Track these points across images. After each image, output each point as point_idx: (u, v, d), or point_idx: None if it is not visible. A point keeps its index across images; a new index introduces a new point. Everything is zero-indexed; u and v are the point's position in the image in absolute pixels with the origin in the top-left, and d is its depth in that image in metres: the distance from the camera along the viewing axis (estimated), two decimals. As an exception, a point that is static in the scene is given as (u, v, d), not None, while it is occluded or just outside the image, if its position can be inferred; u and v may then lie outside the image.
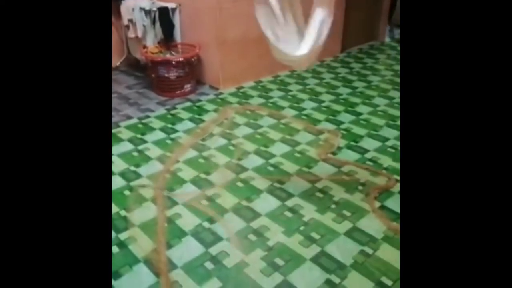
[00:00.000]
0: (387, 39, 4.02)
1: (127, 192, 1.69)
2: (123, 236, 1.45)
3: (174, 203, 1.63)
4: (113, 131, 2.21)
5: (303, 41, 1.36)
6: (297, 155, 1.98)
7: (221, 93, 2.72)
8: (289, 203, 1.63)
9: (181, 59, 2.59)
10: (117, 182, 1.75)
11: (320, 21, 1.31)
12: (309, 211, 1.57)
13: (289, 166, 1.88)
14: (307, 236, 1.45)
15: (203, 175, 1.81)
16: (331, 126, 2.26)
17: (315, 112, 2.45)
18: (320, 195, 1.68)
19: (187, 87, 2.68)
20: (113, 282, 1.26)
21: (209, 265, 1.33)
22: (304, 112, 2.45)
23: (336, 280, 1.26)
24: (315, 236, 1.45)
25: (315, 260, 1.34)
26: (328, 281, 1.26)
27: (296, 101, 2.60)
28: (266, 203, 1.63)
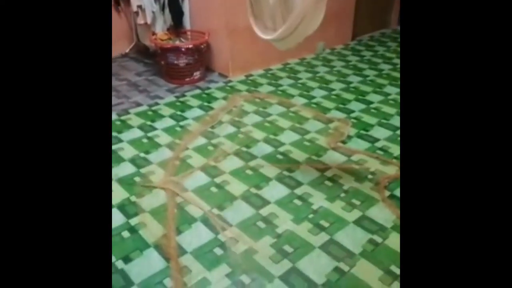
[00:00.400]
0: (398, 27, 3.95)
1: (137, 178, 1.71)
2: (133, 221, 1.46)
3: (184, 189, 1.64)
4: (123, 118, 2.22)
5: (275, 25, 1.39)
6: (307, 143, 1.97)
7: (230, 81, 2.71)
8: (298, 191, 1.63)
9: (190, 46, 2.58)
10: (127, 169, 1.77)
11: (302, 9, 1.27)
12: (318, 199, 1.57)
13: (298, 155, 1.88)
14: (316, 224, 1.45)
15: (212, 162, 1.82)
16: (341, 115, 2.24)
17: (325, 100, 2.42)
18: (329, 183, 1.67)
19: (196, 74, 2.67)
20: (124, 266, 1.28)
21: (218, 251, 1.34)
22: (314, 100, 2.43)
23: (345, 268, 1.27)
24: (324, 224, 1.45)
25: (324, 248, 1.35)
26: (336, 269, 1.26)
27: (306, 89, 2.58)
28: (275, 191, 1.63)
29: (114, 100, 2.44)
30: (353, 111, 2.28)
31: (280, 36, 1.38)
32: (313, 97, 2.47)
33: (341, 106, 2.35)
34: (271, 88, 2.59)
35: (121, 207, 1.53)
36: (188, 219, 1.48)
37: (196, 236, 1.40)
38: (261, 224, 1.45)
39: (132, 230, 1.42)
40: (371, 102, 2.39)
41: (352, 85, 2.64)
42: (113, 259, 1.30)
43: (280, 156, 1.87)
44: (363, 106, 2.35)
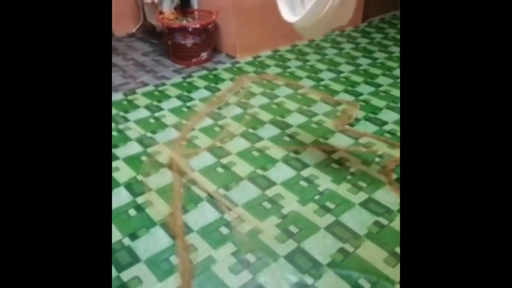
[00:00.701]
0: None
1: (144, 158, 1.71)
2: (140, 200, 1.47)
3: (190, 169, 1.64)
4: (129, 97, 2.22)
5: (297, 8, 1.30)
6: (314, 125, 1.96)
7: (237, 62, 2.68)
8: (305, 173, 1.62)
9: (197, 26, 2.55)
10: (134, 148, 1.77)
11: None
12: (324, 181, 1.57)
13: (305, 137, 1.87)
14: (321, 205, 1.45)
15: (218, 143, 1.81)
16: (349, 97, 2.21)
17: (333, 82, 2.39)
18: (336, 166, 1.66)
19: (203, 55, 2.64)
20: (131, 243, 1.29)
21: (224, 230, 1.35)
22: (322, 82, 2.40)
23: (350, 248, 1.27)
24: (330, 205, 1.45)
25: (329, 229, 1.35)
26: (341, 249, 1.27)
27: (314, 71, 2.54)
28: (281, 172, 1.62)
29: (121, 80, 2.43)
30: (361, 94, 2.25)
31: (307, 18, 1.25)
32: (321, 79, 2.43)
33: (350, 88, 2.32)
34: (279, 70, 2.56)
35: (128, 186, 1.54)
36: (194, 199, 1.48)
37: (202, 216, 1.41)
38: (266, 205, 1.46)
39: (139, 208, 1.44)
40: (380, 85, 2.35)
41: (361, 67, 2.60)
42: (120, 236, 1.32)
43: (287, 138, 1.86)
44: (372, 89, 2.31)
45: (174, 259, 1.24)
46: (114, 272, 1.19)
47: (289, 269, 1.21)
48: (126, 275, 1.18)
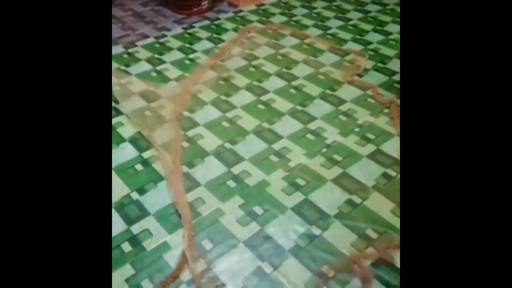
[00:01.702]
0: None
1: (148, 113, 1.68)
2: (146, 154, 1.47)
3: (196, 124, 1.62)
4: (130, 50, 2.15)
5: None
6: (321, 77, 1.90)
7: (240, 11, 2.55)
8: (312, 125, 1.59)
9: (197, -29, 2.40)
10: (138, 103, 1.74)
11: None
12: (331, 134, 1.54)
13: (312, 89, 1.81)
14: (329, 158, 1.44)
15: (223, 97, 1.77)
16: (357, 47, 2.13)
17: (341, 31, 2.29)
18: (343, 118, 1.63)
19: (205, 4, 2.52)
20: (139, 197, 1.30)
21: (231, 183, 1.35)
22: (330, 31, 2.29)
23: (357, 200, 1.27)
24: (337, 158, 1.43)
25: (336, 181, 1.34)
26: (349, 201, 1.27)
27: (321, 19, 2.43)
28: (287, 126, 1.60)
29: (120, 32, 2.34)
30: (370, 43, 2.16)
31: None
32: (329, 28, 2.33)
33: (358, 37, 2.22)
34: (284, 18, 2.45)
35: (133, 141, 1.53)
36: (201, 153, 1.47)
37: (209, 170, 1.40)
38: (273, 158, 1.45)
39: (145, 163, 1.43)
40: (390, 33, 2.25)
41: (370, 14, 2.47)
42: (128, 190, 1.33)
43: (293, 91, 1.81)
44: (381, 37, 2.21)
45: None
46: (124, 226, 1.21)
47: (297, 221, 1.22)
48: (136, 228, 1.20)
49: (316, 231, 1.19)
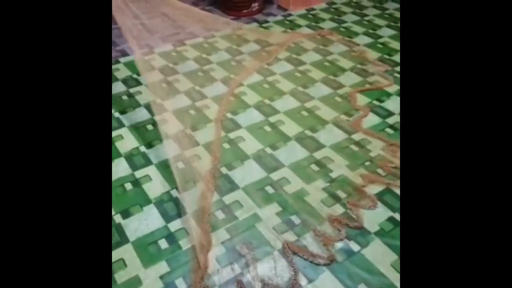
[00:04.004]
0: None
1: (192, 112, 1.71)
2: (188, 153, 1.48)
3: (238, 126, 1.62)
4: (179, 48, 2.19)
5: None
6: (369, 86, 1.84)
7: (289, 15, 2.54)
8: (356, 136, 1.54)
9: (250, -26, 2.41)
10: (183, 101, 1.77)
11: None
12: (376, 147, 1.49)
13: (359, 98, 1.76)
14: (372, 172, 1.38)
15: (267, 101, 1.76)
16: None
17: (392, 40, 2.21)
18: (390, 131, 1.57)
19: (255, 6, 2.53)
20: (178, 195, 1.31)
21: (269, 189, 1.33)
22: (380, 40, 2.22)
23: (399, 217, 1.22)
24: (381, 172, 1.38)
25: (379, 196, 1.29)
26: (391, 219, 1.22)
27: (372, 27, 2.36)
28: (331, 135, 1.56)
29: (170, 30, 2.39)
30: (423, 54, 2.06)
31: None
32: (380, 37, 2.25)
33: (411, 47, 2.13)
34: (334, 24, 2.40)
35: (177, 139, 1.55)
36: (241, 156, 1.47)
37: (248, 173, 1.40)
38: (314, 167, 1.41)
39: (186, 162, 1.45)
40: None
41: (425, 24, 2.37)
42: (168, 187, 1.35)
43: (338, 99, 1.77)
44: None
45: (219, 214, 1.25)
46: (162, 222, 1.23)
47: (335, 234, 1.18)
48: (173, 226, 1.22)
49: (355, 247, 1.15)
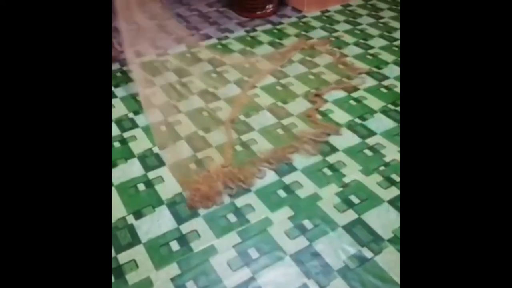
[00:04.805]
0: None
1: (205, 113, 1.71)
2: (200, 155, 1.49)
3: (251, 128, 1.61)
4: (193, 50, 2.20)
5: None
6: (384, 90, 1.81)
7: (304, 16, 2.52)
8: (370, 141, 1.52)
9: (265, -25, 2.40)
10: (195, 102, 1.77)
11: None
12: (391, 152, 1.47)
13: (374, 102, 1.74)
14: (386, 177, 1.36)
15: (280, 103, 1.75)
16: (426, 61, 2.01)
17: (408, 43, 2.17)
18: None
19: (269, 7, 2.52)
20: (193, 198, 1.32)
21: (282, 193, 1.32)
22: (395, 43, 2.19)
23: (415, 226, 1.19)
24: (396, 178, 1.36)
25: (393, 203, 1.27)
26: (405, 226, 1.20)
27: (388, 30, 2.33)
28: (344, 139, 1.54)
29: (185, 32, 2.40)
30: (440, 58, 2.03)
31: None
32: (395, 39, 2.22)
33: (427, 51, 2.10)
34: (349, 27, 2.38)
35: (189, 140, 1.55)
36: (253, 159, 1.46)
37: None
38: (327, 171, 1.40)
39: (199, 163, 1.45)
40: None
41: (442, 27, 2.33)
42: (181, 189, 1.35)
43: (353, 102, 1.75)
44: (453, 52, 2.07)
45: (231, 217, 1.25)
46: (174, 223, 1.23)
47: (348, 240, 1.17)
48: (185, 228, 1.22)
49: (368, 253, 1.13)
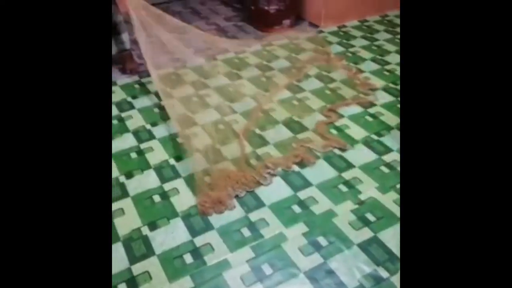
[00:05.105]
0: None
1: (221, 126, 1.72)
2: (217, 166, 1.49)
3: (266, 142, 1.62)
4: (210, 64, 2.23)
5: None
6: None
7: (321, 31, 2.54)
8: (387, 157, 1.51)
9: (283, -9, 2.44)
10: (212, 115, 1.79)
11: None
12: (408, 169, 1.45)
13: (391, 118, 1.73)
14: (403, 195, 1.34)
15: (296, 118, 1.75)
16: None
17: (426, 60, 2.16)
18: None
19: (286, 22, 2.54)
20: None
21: (296, 208, 1.32)
22: (413, 59, 2.18)
23: (433, 247, 1.17)
24: (413, 197, 1.33)
25: (410, 222, 1.25)
26: (423, 247, 1.17)
27: (405, 46, 2.32)
28: (361, 155, 1.53)
29: (202, 45, 2.44)
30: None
31: None
32: (413, 55, 2.21)
33: (445, 67, 2.08)
34: (366, 42, 2.38)
35: (205, 154, 1.56)
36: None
37: (275, 191, 1.38)
38: (343, 188, 1.39)
39: (214, 176, 1.45)
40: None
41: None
42: (194, 202, 1.35)
43: (369, 118, 1.74)
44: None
45: (245, 231, 1.24)
46: (188, 236, 1.23)
47: (363, 259, 1.15)
48: (199, 241, 1.22)
49: (383, 273, 1.11)
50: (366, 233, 1.22)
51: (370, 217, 1.27)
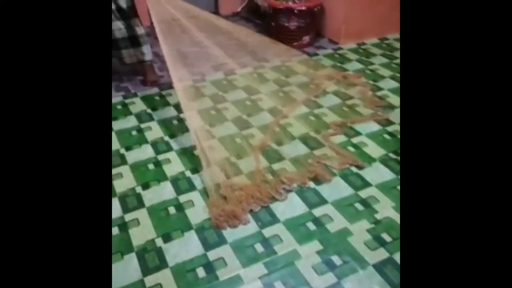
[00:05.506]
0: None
1: (238, 140, 1.73)
2: (232, 180, 1.50)
3: (281, 157, 1.62)
4: (229, 77, 2.26)
5: None
6: (420, 125, 1.77)
7: (340, 48, 2.55)
8: (405, 177, 1.48)
9: (303, 8, 2.47)
10: (230, 128, 1.81)
11: None
12: (427, 190, 1.42)
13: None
14: (421, 216, 1.31)
15: (313, 134, 1.75)
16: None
17: (447, 78, 2.14)
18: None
19: (306, 39, 2.57)
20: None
21: (311, 225, 1.30)
22: (434, 77, 2.16)
23: (451, 271, 1.13)
24: (431, 218, 1.30)
25: (428, 244, 1.22)
26: (440, 271, 1.14)
27: (425, 64, 2.30)
28: (378, 173, 1.51)
29: (222, 60, 2.48)
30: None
31: None
32: (433, 74, 2.19)
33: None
34: (385, 60, 2.37)
35: (222, 167, 1.57)
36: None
37: (290, 207, 1.38)
38: (359, 206, 1.37)
39: (232, 189, 1.46)
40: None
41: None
42: (207, 215, 1.36)
43: (387, 136, 1.72)
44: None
45: (259, 247, 1.24)
46: (201, 250, 1.23)
47: (378, 280, 1.12)
48: (212, 255, 1.22)
49: (399, 296, 1.08)
50: (381, 254, 1.20)
51: (386, 237, 1.25)
